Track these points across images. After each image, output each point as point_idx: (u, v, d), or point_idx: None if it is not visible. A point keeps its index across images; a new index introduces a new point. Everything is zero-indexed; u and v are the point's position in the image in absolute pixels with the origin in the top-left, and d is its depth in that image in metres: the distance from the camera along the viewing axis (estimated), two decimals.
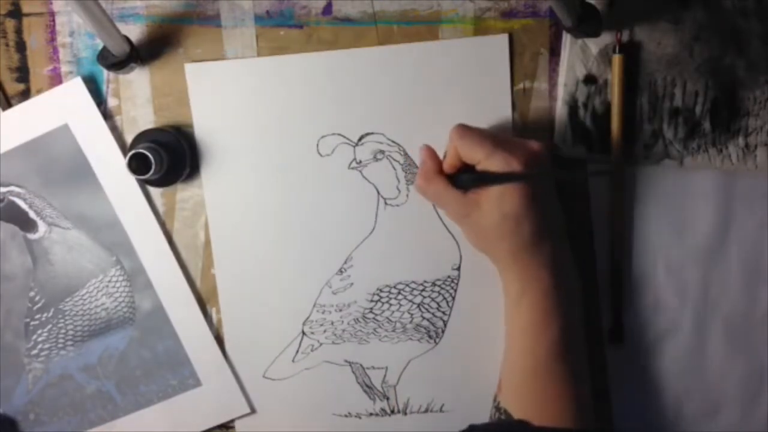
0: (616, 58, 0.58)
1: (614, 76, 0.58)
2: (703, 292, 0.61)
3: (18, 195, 0.60)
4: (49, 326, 0.61)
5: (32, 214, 0.60)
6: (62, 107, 0.60)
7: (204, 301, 0.62)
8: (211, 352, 0.62)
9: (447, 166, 0.57)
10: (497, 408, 0.56)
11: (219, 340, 0.62)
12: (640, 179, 0.60)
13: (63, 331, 0.61)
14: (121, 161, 0.59)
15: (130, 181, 0.60)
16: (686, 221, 0.61)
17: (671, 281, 0.61)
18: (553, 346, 0.54)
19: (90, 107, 0.60)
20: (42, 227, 0.60)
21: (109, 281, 0.61)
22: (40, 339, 0.62)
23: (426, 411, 0.62)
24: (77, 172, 0.60)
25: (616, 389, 0.62)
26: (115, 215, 0.60)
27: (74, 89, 0.60)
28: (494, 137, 0.55)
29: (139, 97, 0.61)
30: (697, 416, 0.62)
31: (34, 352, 0.62)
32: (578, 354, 0.56)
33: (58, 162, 0.60)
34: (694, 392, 0.62)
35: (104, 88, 0.60)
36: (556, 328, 0.54)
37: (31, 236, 0.61)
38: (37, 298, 0.61)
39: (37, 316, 0.61)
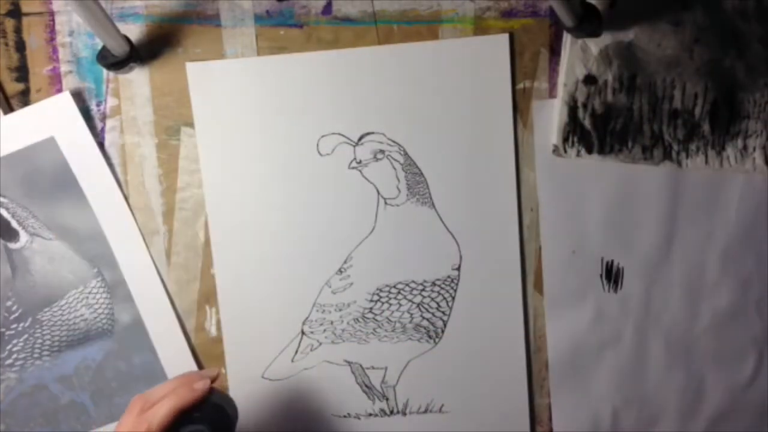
0: None
1: None
2: (645, 304, 0.62)
3: (0, 204, 0.60)
4: (26, 336, 0.61)
5: (14, 224, 0.60)
6: (49, 120, 0.60)
7: (203, 302, 0.62)
8: (187, 367, 0.62)
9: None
10: None
11: (218, 340, 0.62)
12: (639, 180, 0.60)
13: (40, 341, 0.61)
14: (107, 174, 0.60)
15: (115, 193, 0.60)
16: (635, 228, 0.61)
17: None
18: None
19: (77, 121, 0.60)
20: (24, 237, 0.60)
21: (90, 292, 0.61)
22: (15, 349, 0.61)
23: (425, 411, 0.62)
24: (62, 184, 0.60)
25: (556, 397, 0.62)
26: (99, 227, 0.60)
27: (62, 102, 0.60)
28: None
29: (138, 97, 0.60)
30: (635, 427, 0.62)
31: (9, 361, 0.61)
32: None
33: (43, 173, 0.60)
34: (632, 404, 0.62)
35: (104, 87, 0.60)
36: None
37: (12, 245, 0.61)
38: (14, 308, 0.61)
39: (14, 326, 0.61)
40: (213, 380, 0.53)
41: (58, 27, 0.60)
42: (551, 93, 0.60)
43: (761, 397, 0.62)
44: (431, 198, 0.60)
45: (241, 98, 0.60)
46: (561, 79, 0.60)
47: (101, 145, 0.61)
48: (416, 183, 0.60)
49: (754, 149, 0.60)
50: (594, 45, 0.59)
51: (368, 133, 0.60)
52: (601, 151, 0.60)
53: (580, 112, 0.60)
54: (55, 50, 0.60)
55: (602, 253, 0.61)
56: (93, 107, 0.61)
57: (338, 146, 0.60)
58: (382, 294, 0.61)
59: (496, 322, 0.61)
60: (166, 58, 0.60)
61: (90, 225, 0.60)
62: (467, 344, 0.61)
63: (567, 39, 0.59)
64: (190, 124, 0.60)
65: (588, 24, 0.56)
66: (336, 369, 0.62)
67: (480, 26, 0.60)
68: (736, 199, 0.60)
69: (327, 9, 0.60)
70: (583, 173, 0.60)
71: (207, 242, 0.61)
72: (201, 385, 0.51)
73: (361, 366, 0.62)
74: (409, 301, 0.61)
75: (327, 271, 0.61)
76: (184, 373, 0.54)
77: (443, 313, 0.61)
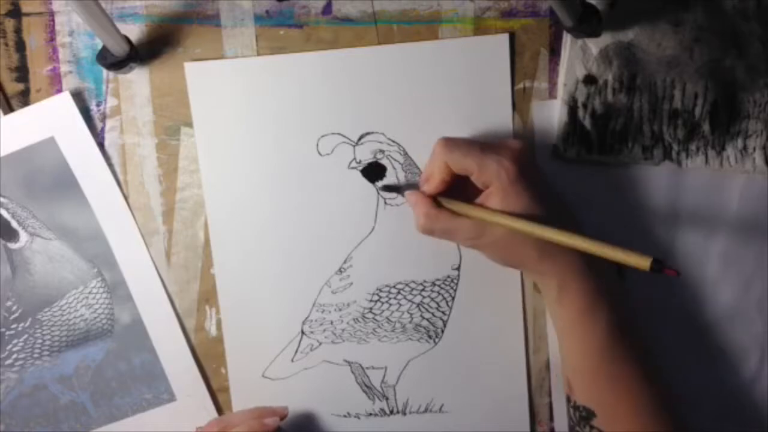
0: None
1: None
2: (645, 303, 0.61)
3: (0, 204, 0.60)
4: (26, 336, 0.61)
5: (14, 224, 0.60)
6: (49, 120, 0.60)
7: (203, 302, 0.62)
8: (187, 368, 0.62)
9: (438, 185, 0.56)
10: (575, 407, 0.56)
11: (218, 340, 0.62)
12: (639, 180, 0.60)
13: (39, 341, 0.61)
14: (107, 174, 0.60)
15: (115, 193, 0.61)
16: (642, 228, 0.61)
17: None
18: (609, 327, 0.53)
19: (77, 121, 0.60)
20: (24, 237, 0.60)
21: (90, 293, 0.61)
22: (15, 349, 0.61)
23: (425, 411, 0.62)
24: (62, 184, 0.60)
25: (556, 397, 0.62)
26: (99, 227, 0.60)
27: (62, 102, 0.60)
28: (479, 144, 0.54)
29: (138, 97, 0.60)
30: None
31: (8, 362, 0.61)
32: (635, 330, 0.55)
33: (43, 174, 0.60)
34: None
35: (104, 87, 0.60)
36: (606, 309, 0.54)
37: (12, 245, 0.61)
38: (14, 308, 0.61)
39: (13, 326, 0.61)
40: (282, 418, 0.60)
41: (58, 27, 0.60)
42: (551, 93, 0.60)
43: (763, 398, 0.62)
44: None
45: (240, 98, 0.60)
46: (561, 79, 0.60)
47: (101, 145, 0.61)
48: (416, 183, 0.60)
49: (754, 149, 0.60)
50: (594, 45, 0.59)
51: (368, 133, 0.60)
52: (601, 151, 0.60)
53: (580, 112, 0.60)
54: (55, 50, 0.60)
55: None
56: (93, 107, 0.61)
57: (338, 146, 0.60)
58: (382, 294, 0.61)
59: (495, 322, 0.61)
60: (166, 58, 0.60)
61: (90, 225, 0.60)
62: (467, 344, 0.61)
63: (567, 39, 0.59)
64: (190, 124, 0.60)
65: (588, 24, 0.56)
66: (336, 369, 0.62)
67: (480, 26, 0.60)
68: (736, 199, 0.60)
69: (327, 9, 0.60)
70: (584, 173, 0.60)
71: (207, 242, 0.61)
72: (271, 421, 0.58)
73: (361, 366, 0.62)
74: (409, 301, 0.61)
75: (327, 271, 0.61)
76: (257, 407, 0.61)
77: (443, 313, 0.61)
